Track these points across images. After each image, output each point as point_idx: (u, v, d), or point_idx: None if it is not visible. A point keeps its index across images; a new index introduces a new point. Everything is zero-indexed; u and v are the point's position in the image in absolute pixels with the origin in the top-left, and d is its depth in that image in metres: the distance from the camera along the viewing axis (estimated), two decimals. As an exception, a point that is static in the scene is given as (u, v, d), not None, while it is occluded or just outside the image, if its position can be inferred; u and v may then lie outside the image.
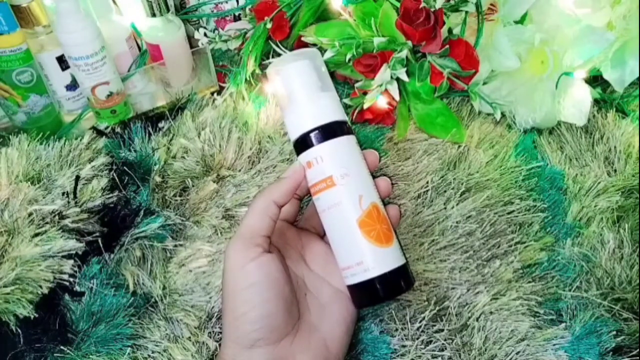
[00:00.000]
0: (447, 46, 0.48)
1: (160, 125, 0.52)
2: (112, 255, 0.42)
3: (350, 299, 0.36)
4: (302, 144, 0.36)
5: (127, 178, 0.47)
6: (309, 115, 0.36)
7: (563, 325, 0.40)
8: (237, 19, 0.63)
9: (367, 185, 0.35)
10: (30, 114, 0.53)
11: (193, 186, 0.47)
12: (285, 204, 0.36)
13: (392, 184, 0.41)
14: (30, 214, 0.42)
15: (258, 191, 0.45)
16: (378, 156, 0.38)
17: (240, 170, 0.48)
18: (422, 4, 0.46)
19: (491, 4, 0.49)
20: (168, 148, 0.50)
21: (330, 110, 0.36)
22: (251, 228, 0.34)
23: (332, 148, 0.35)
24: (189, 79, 0.60)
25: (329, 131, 0.35)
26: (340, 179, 0.35)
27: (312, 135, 0.35)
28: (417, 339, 0.39)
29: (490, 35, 0.49)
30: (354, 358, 0.38)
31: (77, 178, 0.45)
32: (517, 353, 0.38)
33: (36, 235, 0.41)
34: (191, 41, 0.59)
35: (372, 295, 0.34)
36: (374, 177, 0.37)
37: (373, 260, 0.34)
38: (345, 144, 0.35)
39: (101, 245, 0.42)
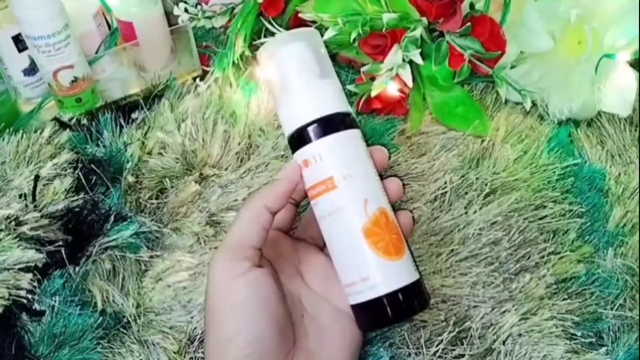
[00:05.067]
0: (469, 24, 0.48)
1: (133, 116, 0.52)
2: (77, 268, 0.42)
3: (355, 321, 0.36)
4: (298, 139, 0.36)
5: (94, 178, 0.47)
6: (306, 105, 0.36)
7: (604, 349, 0.40)
8: (223, -8, 0.63)
9: (373, 188, 0.35)
10: (-18, 103, 0.54)
11: (172, 187, 0.48)
12: (279, 209, 0.36)
13: (404, 185, 0.41)
14: (-19, 220, 0.43)
15: (248, 195, 0.46)
16: (387, 153, 0.38)
17: (226, 169, 0.49)
18: (440, -26, 0.46)
19: (520, -26, 0.50)
20: (143, 143, 0.50)
21: (331, 100, 0.36)
22: (239, 238, 0.34)
23: (332, 144, 0.35)
24: (167, 62, 0.60)
25: (330, 124, 0.35)
26: (343, 180, 0.34)
27: (309, 129, 0.35)
28: (433, 366, 0.39)
29: (518, 10, 0.49)
30: (359, 388, 0.38)
31: (37, 178, 0.46)
32: (550, 382, 0.39)
33: (-12, 245, 0.42)
34: (170, 18, 0.59)
35: (379, 316, 0.34)
36: (382, 177, 0.37)
37: (381, 275, 0.34)
38: (348, 139, 0.36)
39: (64, 256, 0.42)
